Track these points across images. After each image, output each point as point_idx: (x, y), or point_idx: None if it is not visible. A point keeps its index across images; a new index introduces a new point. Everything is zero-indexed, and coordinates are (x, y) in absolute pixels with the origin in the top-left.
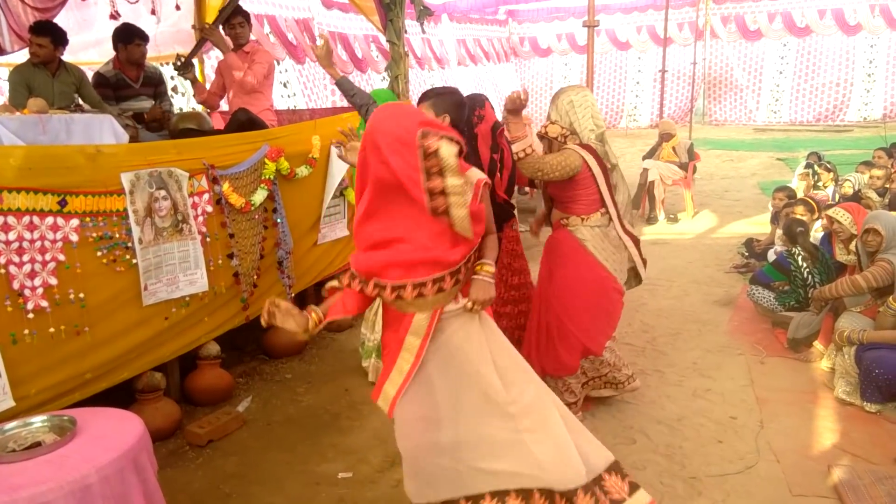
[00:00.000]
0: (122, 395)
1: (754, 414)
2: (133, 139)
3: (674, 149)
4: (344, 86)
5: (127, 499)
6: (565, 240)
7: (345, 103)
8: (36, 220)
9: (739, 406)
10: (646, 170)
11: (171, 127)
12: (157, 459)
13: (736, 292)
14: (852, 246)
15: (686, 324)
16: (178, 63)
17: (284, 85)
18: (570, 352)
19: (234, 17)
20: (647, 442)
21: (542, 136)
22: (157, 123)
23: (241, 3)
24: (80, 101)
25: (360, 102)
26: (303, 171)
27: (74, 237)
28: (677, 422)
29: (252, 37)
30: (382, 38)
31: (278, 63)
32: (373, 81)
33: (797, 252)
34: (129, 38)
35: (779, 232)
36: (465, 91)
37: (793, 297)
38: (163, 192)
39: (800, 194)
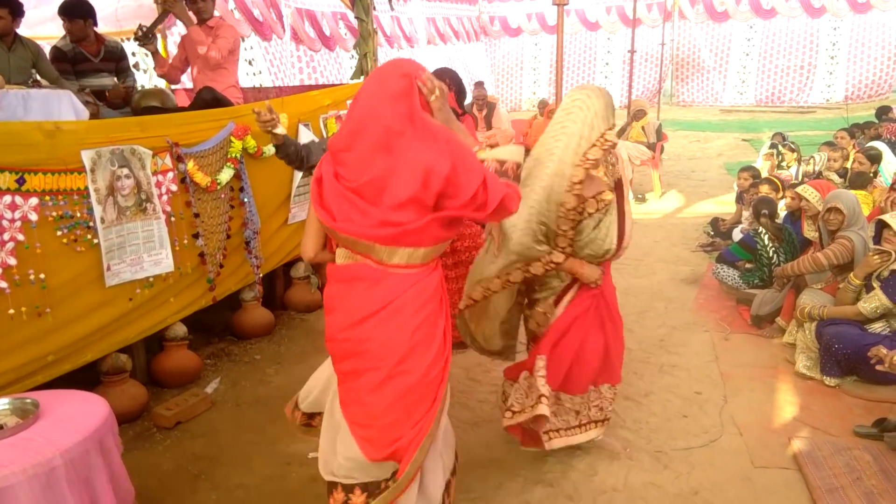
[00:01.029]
0: (87, 378)
1: (718, 389)
2: (94, 116)
3: (643, 129)
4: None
5: (92, 481)
6: None
7: (312, 81)
8: None
9: (704, 381)
10: None
11: (134, 104)
12: (124, 442)
13: (702, 270)
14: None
15: (653, 302)
16: (140, 34)
17: (250, 62)
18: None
19: None
20: (614, 417)
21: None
22: (120, 101)
23: None
24: (38, 77)
25: (295, 150)
26: (270, 149)
27: (34, 216)
28: (644, 397)
29: (216, 12)
30: (351, 15)
31: (244, 40)
32: (341, 59)
33: (763, 231)
34: (68, 12)
35: (745, 213)
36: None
37: (757, 275)
38: (125, 171)
39: (764, 174)
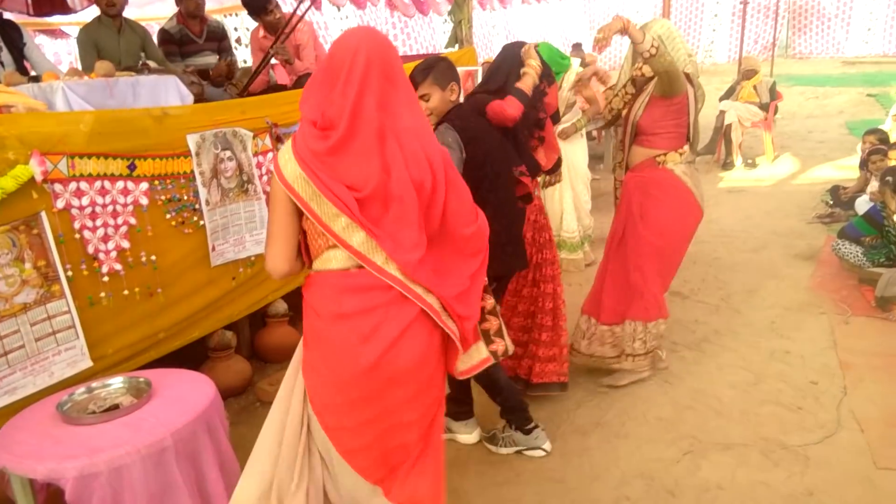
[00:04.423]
0: (195, 354)
1: (837, 379)
2: (198, 97)
3: (755, 88)
4: None
5: (199, 459)
6: (666, 179)
7: (406, 48)
8: (107, 184)
9: (821, 370)
10: (722, 112)
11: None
12: (229, 416)
13: (819, 245)
14: None
15: (764, 280)
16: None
17: None
18: (660, 294)
19: (269, 3)
20: (719, 407)
21: (638, 76)
22: (222, 79)
23: None
24: (146, 60)
25: None
26: None
27: (144, 200)
28: (752, 386)
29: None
30: None
31: (339, 10)
32: (434, 24)
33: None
34: None
35: (872, 181)
36: (527, 33)
37: (883, 252)
38: (228, 153)
39: (893, 137)
